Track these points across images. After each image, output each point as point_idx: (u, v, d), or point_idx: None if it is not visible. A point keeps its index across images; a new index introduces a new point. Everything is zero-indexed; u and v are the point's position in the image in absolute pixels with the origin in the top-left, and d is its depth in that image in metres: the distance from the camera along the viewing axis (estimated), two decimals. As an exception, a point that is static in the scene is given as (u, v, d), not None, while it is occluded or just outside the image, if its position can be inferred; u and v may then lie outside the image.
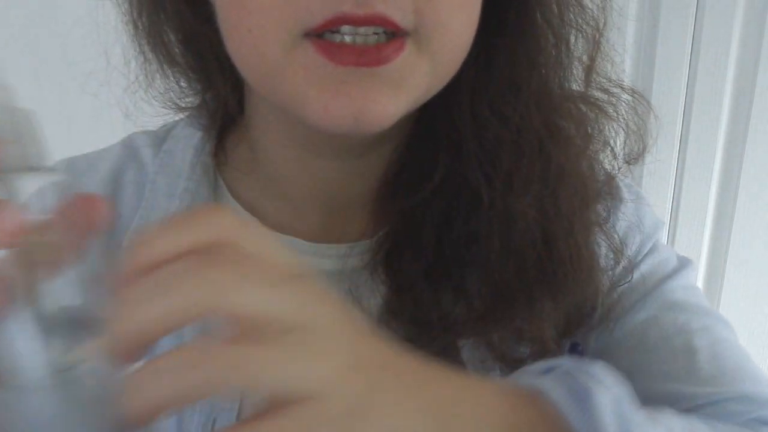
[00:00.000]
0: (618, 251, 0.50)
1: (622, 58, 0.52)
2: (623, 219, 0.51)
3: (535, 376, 0.35)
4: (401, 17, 0.36)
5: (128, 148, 0.54)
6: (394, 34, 0.37)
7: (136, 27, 0.48)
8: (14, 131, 0.25)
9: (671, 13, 0.92)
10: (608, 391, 0.32)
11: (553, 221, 0.46)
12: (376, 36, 0.36)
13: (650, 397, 0.45)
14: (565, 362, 0.35)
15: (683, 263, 0.53)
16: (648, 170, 0.99)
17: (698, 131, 0.97)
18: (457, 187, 0.46)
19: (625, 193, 0.52)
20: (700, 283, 1.06)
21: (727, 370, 0.47)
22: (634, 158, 0.52)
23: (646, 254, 0.52)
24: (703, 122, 0.97)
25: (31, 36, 0.91)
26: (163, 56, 0.49)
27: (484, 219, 0.45)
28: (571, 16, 0.46)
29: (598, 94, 0.49)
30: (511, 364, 0.46)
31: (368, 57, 0.36)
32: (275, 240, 0.28)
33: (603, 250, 0.49)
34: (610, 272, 0.49)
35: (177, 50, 0.48)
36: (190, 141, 0.52)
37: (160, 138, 0.54)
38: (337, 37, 0.36)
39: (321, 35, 0.36)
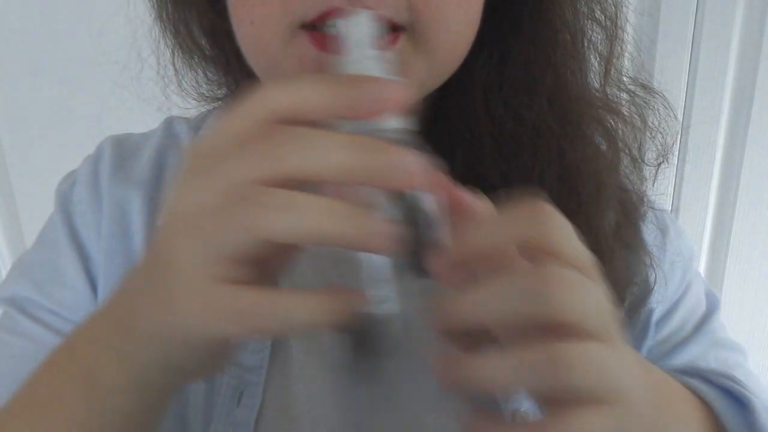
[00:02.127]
0: (644, 259, 0.51)
1: (636, 65, 0.52)
2: (668, 255, 0.53)
3: (704, 384, 0.40)
4: (394, 13, 0.36)
5: (169, 132, 0.55)
6: (389, 29, 0.37)
7: (163, 21, 0.49)
8: None
9: (671, 12, 0.92)
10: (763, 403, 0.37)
11: (572, 218, 0.46)
12: None
13: None
14: (706, 369, 0.39)
15: (714, 302, 0.56)
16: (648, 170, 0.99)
17: (698, 131, 0.97)
18: (474, 186, 0.46)
19: (671, 230, 0.55)
20: (700, 283, 1.06)
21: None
22: (657, 160, 0.52)
23: (688, 286, 0.54)
24: (703, 122, 0.97)
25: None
26: (190, 49, 0.50)
27: None
28: (586, 12, 0.46)
29: (618, 93, 0.49)
30: None
31: None
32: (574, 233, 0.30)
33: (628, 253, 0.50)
34: (636, 278, 0.50)
35: (202, 43, 0.49)
36: None
37: (197, 124, 0.55)
38: (332, 30, 0.37)
39: (315, 27, 0.37)
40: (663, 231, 0.55)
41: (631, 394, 0.28)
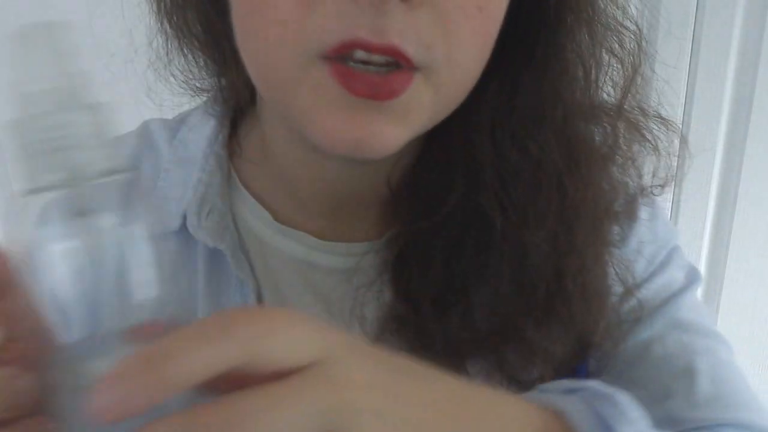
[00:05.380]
0: (627, 284, 0.49)
1: (653, 68, 0.51)
2: (635, 239, 0.51)
3: (558, 394, 0.36)
4: (414, 51, 0.36)
5: (144, 136, 0.54)
6: (403, 64, 0.37)
7: (159, 5, 0.48)
8: (95, 133, 0.25)
9: (671, 13, 0.92)
10: (632, 426, 0.33)
11: (567, 258, 0.45)
12: (387, 66, 0.36)
13: None
14: (591, 385, 0.35)
15: (691, 279, 0.53)
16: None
17: (698, 131, 0.97)
18: (471, 214, 0.46)
19: (642, 213, 0.52)
20: (700, 283, 1.06)
21: (725, 395, 0.47)
22: (664, 185, 0.51)
23: (657, 268, 0.51)
24: (703, 122, 0.97)
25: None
26: (183, 35, 0.49)
27: (496, 250, 0.45)
28: (604, 45, 0.45)
29: (626, 124, 0.48)
30: (517, 384, 0.46)
31: (380, 90, 0.36)
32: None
33: (614, 281, 0.49)
34: (619, 304, 0.49)
35: (197, 31, 0.48)
36: (203, 131, 0.52)
37: (175, 127, 0.54)
38: (350, 62, 0.36)
39: (335, 58, 0.36)
40: (654, 237, 0.53)
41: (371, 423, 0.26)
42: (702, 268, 1.05)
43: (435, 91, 0.38)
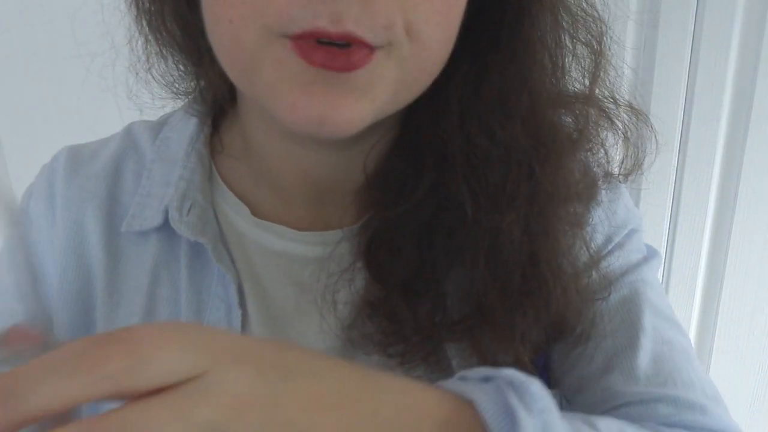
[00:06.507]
0: (592, 265, 0.49)
1: (622, 59, 0.51)
2: (596, 221, 0.51)
3: (474, 383, 0.36)
4: (372, 36, 0.37)
5: (128, 137, 0.55)
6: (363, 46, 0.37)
7: (137, 8, 0.49)
8: None
9: (671, 12, 0.92)
10: (537, 417, 0.33)
11: (539, 241, 0.46)
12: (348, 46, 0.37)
13: (584, 388, 0.49)
14: (507, 374, 0.35)
15: (649, 255, 0.53)
16: (648, 170, 0.99)
17: (698, 131, 0.97)
18: (442, 200, 0.46)
19: (602, 196, 0.52)
20: (699, 283, 1.06)
21: (663, 372, 0.47)
22: (630, 173, 0.52)
23: (613, 248, 0.52)
24: (703, 122, 0.97)
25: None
26: (162, 38, 0.49)
27: (468, 235, 0.46)
28: (569, 32, 0.46)
29: (596, 111, 0.49)
30: (495, 367, 0.47)
31: (338, 61, 0.37)
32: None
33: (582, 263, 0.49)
34: (587, 286, 0.49)
35: (175, 33, 0.49)
36: (185, 129, 0.53)
37: (157, 128, 0.55)
38: (311, 41, 0.37)
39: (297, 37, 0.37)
40: (616, 223, 0.53)
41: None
42: (702, 267, 1.05)
43: (399, 66, 0.39)
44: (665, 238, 1.04)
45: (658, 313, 0.51)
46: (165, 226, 0.49)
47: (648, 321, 0.49)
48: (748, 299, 1.06)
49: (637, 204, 0.87)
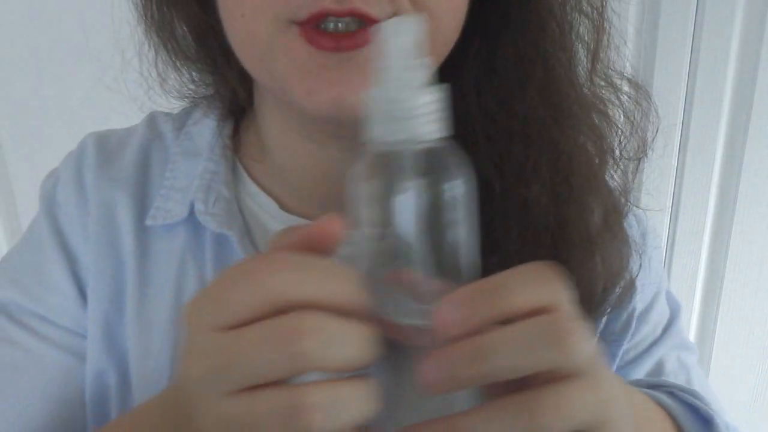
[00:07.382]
0: (629, 251, 0.51)
1: (622, 59, 0.52)
2: (649, 245, 0.56)
3: (648, 392, 0.43)
4: (378, 10, 0.38)
5: (152, 127, 0.55)
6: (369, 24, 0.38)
7: (147, 22, 0.50)
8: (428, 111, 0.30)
9: (671, 12, 0.92)
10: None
11: (567, 206, 0.47)
12: (358, 24, 0.38)
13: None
14: (673, 384, 0.42)
15: (676, 306, 0.59)
16: (648, 169, 0.99)
17: (698, 131, 0.97)
18: None
19: (645, 223, 0.57)
20: (699, 283, 1.07)
21: (683, 381, 0.55)
22: (636, 155, 0.52)
23: (659, 291, 0.57)
24: (703, 122, 0.97)
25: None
26: (174, 50, 0.50)
27: (499, 209, 0.46)
28: (573, 4, 0.47)
29: (602, 83, 0.49)
30: None
31: (346, 41, 0.38)
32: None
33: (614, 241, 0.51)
34: (623, 265, 0.51)
35: (187, 43, 0.50)
36: (209, 124, 0.54)
37: (181, 119, 0.55)
38: (321, 25, 0.38)
39: (306, 22, 0.38)
40: (643, 228, 0.56)
41: (617, 424, 0.29)
42: (702, 268, 1.05)
43: None
44: (665, 238, 1.04)
45: (693, 351, 0.60)
46: (190, 219, 0.49)
47: (689, 358, 0.58)
48: (748, 299, 1.06)
49: (637, 204, 0.88)
